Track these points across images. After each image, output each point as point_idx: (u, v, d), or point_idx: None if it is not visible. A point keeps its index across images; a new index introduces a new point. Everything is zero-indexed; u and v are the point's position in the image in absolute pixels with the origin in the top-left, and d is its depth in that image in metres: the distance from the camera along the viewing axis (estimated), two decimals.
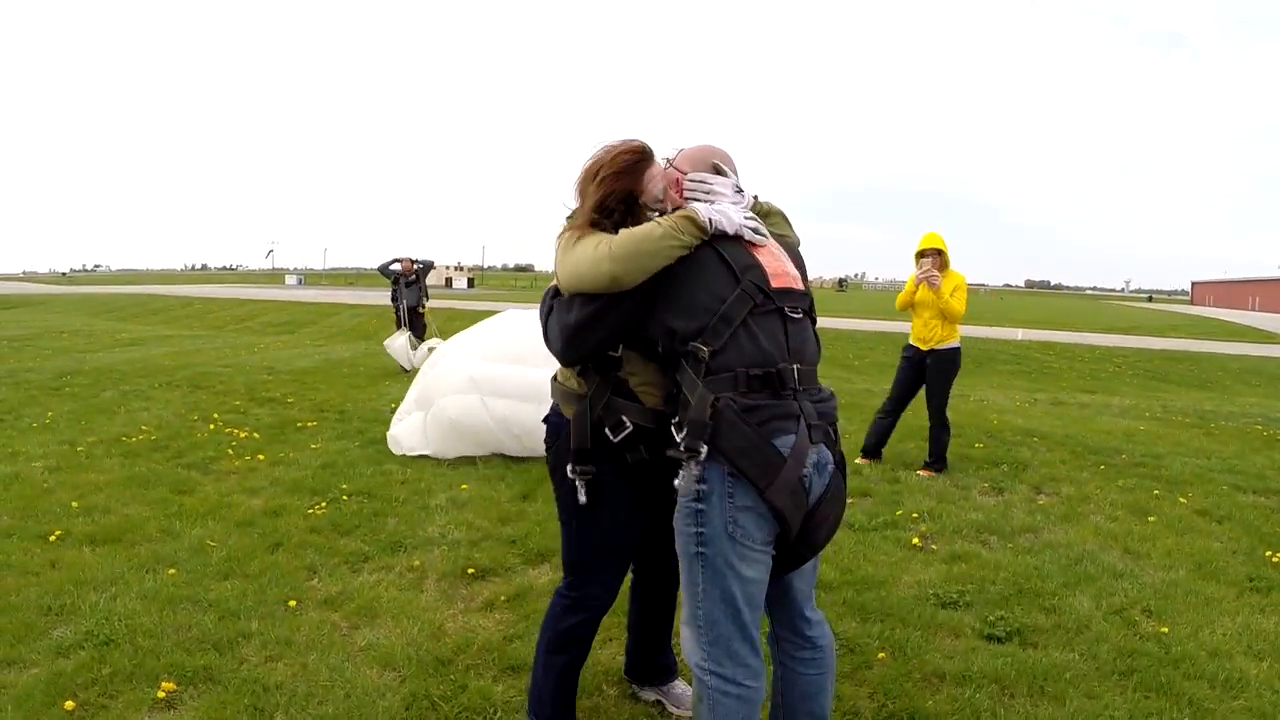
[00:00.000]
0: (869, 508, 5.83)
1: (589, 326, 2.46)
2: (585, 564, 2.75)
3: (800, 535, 2.34)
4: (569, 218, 2.62)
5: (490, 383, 6.81)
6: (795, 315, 2.43)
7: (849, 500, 5.80)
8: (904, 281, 7.17)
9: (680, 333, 2.35)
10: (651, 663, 3.17)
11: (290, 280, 76.08)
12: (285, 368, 13.25)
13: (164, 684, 3.17)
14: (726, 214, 2.42)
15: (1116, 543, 5.13)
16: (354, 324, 30.12)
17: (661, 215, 2.46)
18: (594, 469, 2.58)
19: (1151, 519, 5.62)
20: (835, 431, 2.44)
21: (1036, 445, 8.05)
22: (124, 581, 4.16)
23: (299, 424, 8.41)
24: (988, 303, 77.05)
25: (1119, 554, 4.93)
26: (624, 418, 2.55)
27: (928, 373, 7.00)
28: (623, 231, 2.39)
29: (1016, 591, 4.26)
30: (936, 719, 3.07)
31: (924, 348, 6.99)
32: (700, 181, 2.54)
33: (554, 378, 2.79)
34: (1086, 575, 4.52)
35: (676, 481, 2.35)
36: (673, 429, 2.39)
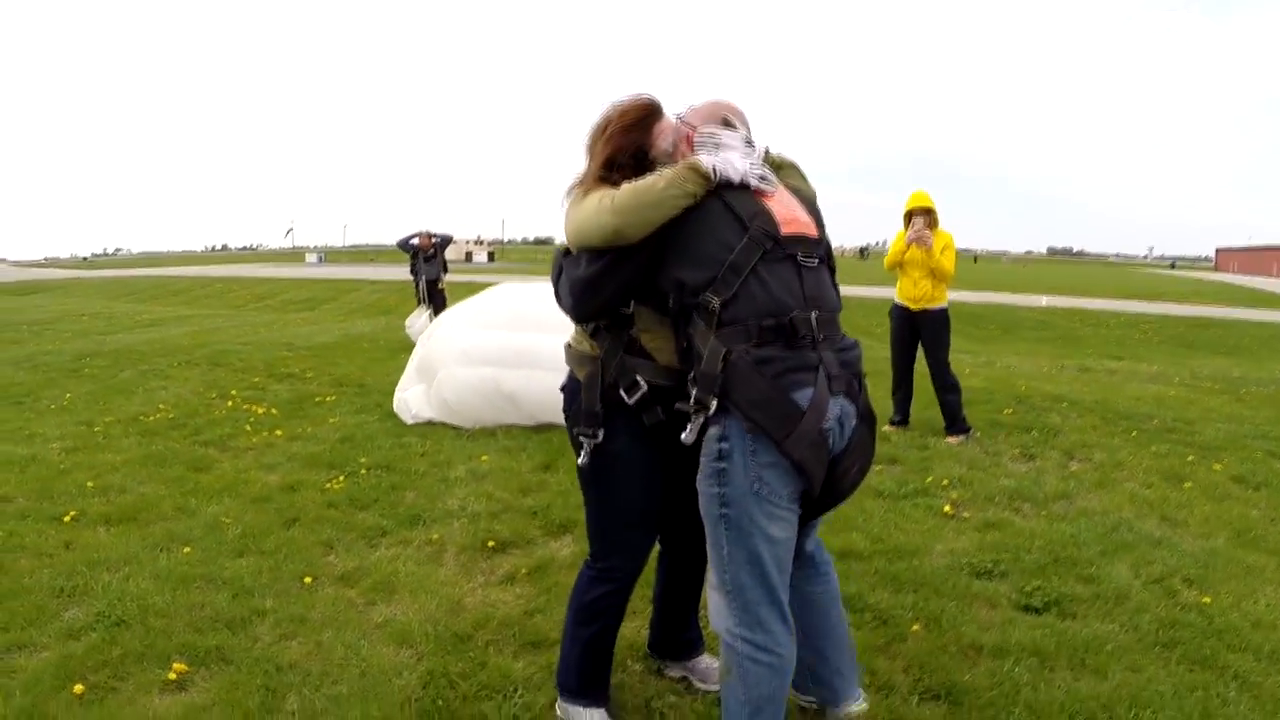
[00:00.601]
0: (899, 475, 5.69)
1: (598, 282, 2.40)
2: (608, 533, 2.67)
3: (824, 486, 2.29)
4: (577, 182, 2.53)
5: (480, 352, 6.77)
6: (810, 263, 2.34)
7: (878, 467, 5.75)
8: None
9: (690, 284, 2.28)
10: (677, 638, 3.06)
11: (310, 258, 75.95)
12: (305, 344, 13.14)
13: (175, 665, 3.09)
14: (731, 162, 2.33)
15: (1153, 510, 4.98)
16: (374, 299, 30.07)
17: None
18: (601, 431, 2.51)
19: (1187, 485, 5.46)
20: (860, 382, 2.35)
21: (1066, 411, 7.86)
22: (138, 561, 4.09)
23: (317, 399, 8.31)
24: (1011, 270, 76.28)
25: (1156, 521, 4.78)
26: (638, 377, 2.47)
27: (923, 337, 6.95)
28: (625, 185, 2.31)
29: (1052, 560, 4.12)
30: (975, 693, 2.94)
31: (913, 307, 6.94)
32: (710, 135, 2.44)
33: (567, 344, 2.70)
34: (1124, 543, 4.37)
35: (684, 435, 2.28)
36: (690, 385, 2.33)
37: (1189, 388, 10.43)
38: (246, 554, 4.22)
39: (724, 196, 2.31)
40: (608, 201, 2.28)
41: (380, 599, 3.72)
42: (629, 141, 2.44)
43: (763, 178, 2.38)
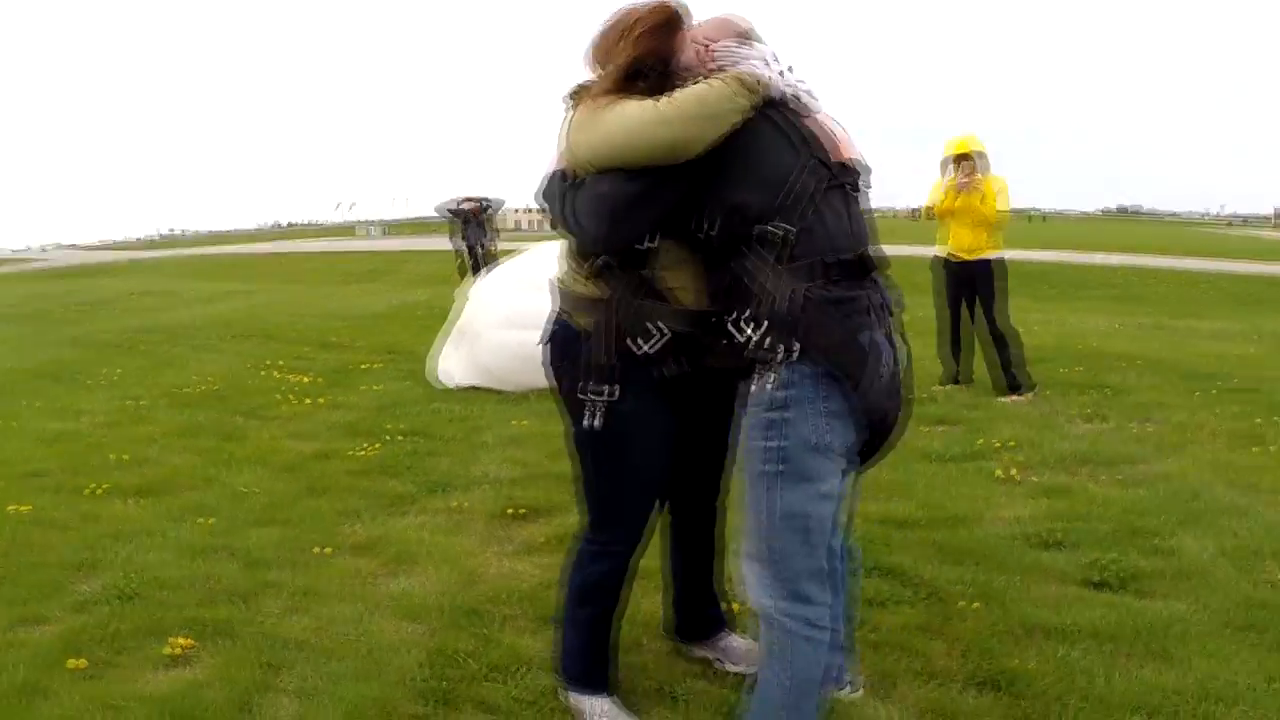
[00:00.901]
0: (952, 436, 5.37)
1: (639, 204, 2.05)
2: (614, 504, 2.38)
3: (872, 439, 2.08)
4: (575, 92, 2.21)
5: (520, 315, 6.57)
6: (856, 194, 2.09)
7: (925, 428, 5.45)
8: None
9: (752, 211, 1.99)
10: (700, 615, 2.77)
11: (373, 231, 76.39)
12: (357, 313, 13.06)
13: (178, 639, 2.94)
14: (772, 78, 2.03)
15: (1231, 475, 4.59)
16: (433, 270, 29.91)
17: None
18: (616, 388, 2.18)
19: (1269, 448, 5.05)
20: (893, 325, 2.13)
21: (1133, 369, 7.44)
22: (157, 533, 3.98)
23: (363, 367, 8.20)
24: (1069, 228, 74.42)
25: (1235, 489, 4.38)
26: (658, 323, 2.15)
27: (978, 288, 6.60)
28: (675, 92, 1.99)
29: (1122, 531, 3.77)
30: (1033, 681, 2.61)
31: (966, 258, 6.59)
32: (731, 50, 2.12)
33: (559, 284, 2.35)
34: (1200, 512, 4.00)
35: (764, 386, 1.99)
36: (734, 328, 2.02)
37: (1260, 345, 9.88)
38: (267, 524, 4.09)
39: (771, 115, 2.04)
40: (658, 110, 1.95)
41: (396, 570, 3.55)
42: (657, 46, 2.09)
43: (807, 95, 2.11)
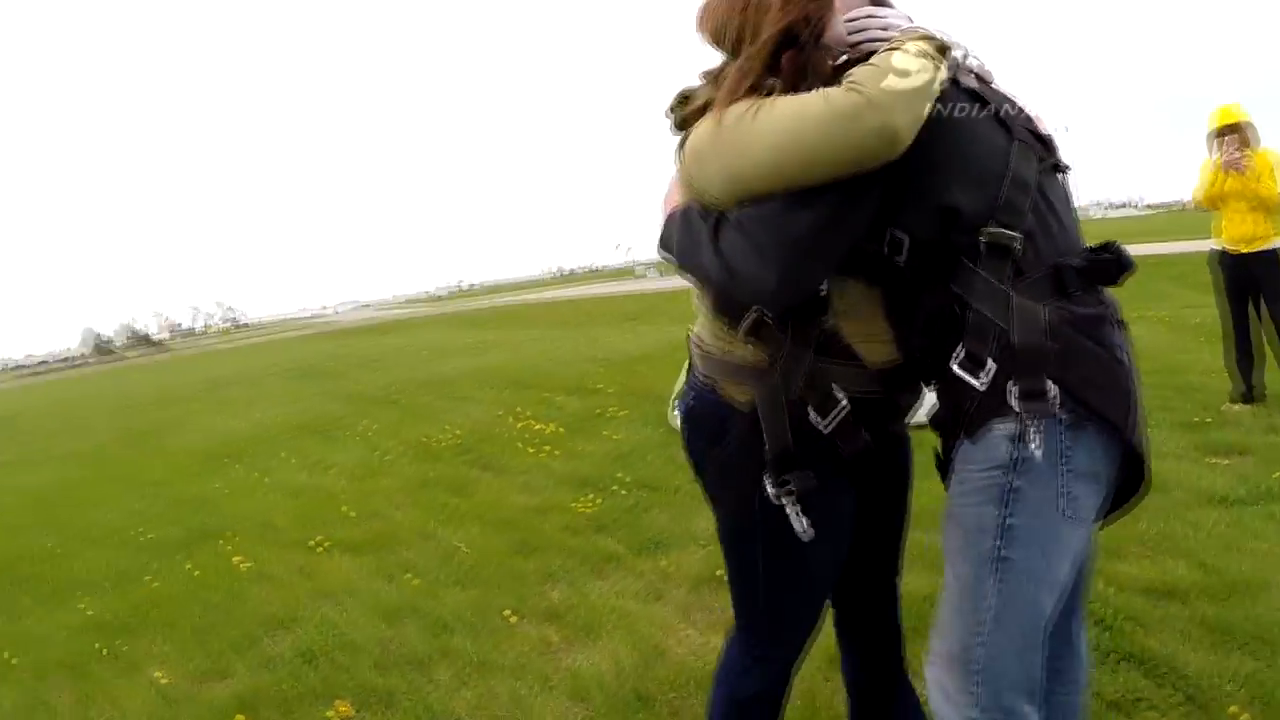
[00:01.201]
0: (1242, 470, 4.35)
1: (828, 233, 1.48)
2: (783, 610, 1.85)
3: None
4: (678, 103, 1.71)
5: None
6: (1065, 173, 1.64)
7: (1211, 459, 4.56)
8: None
9: (966, 213, 1.50)
10: (884, 714, 2.19)
11: (648, 273, 78.21)
12: (616, 356, 12.77)
13: (342, 705, 2.94)
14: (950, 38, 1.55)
15: None
16: None
17: (848, 65, 1.53)
18: (811, 479, 1.63)
19: None
20: None
21: None
22: (360, 591, 4.06)
23: (610, 413, 7.97)
24: None
25: None
26: (842, 389, 1.62)
27: (1262, 284, 5.56)
28: (855, 70, 1.44)
29: None
30: None
31: (1244, 250, 5.56)
32: (869, 17, 1.63)
33: (697, 340, 1.81)
34: None
35: (985, 440, 1.52)
36: (963, 369, 1.52)
37: None
38: (468, 585, 4.04)
39: (964, 84, 1.56)
40: (852, 97, 1.39)
41: (579, 641, 3.34)
42: (814, 12, 1.52)
43: (978, 62, 1.63)
